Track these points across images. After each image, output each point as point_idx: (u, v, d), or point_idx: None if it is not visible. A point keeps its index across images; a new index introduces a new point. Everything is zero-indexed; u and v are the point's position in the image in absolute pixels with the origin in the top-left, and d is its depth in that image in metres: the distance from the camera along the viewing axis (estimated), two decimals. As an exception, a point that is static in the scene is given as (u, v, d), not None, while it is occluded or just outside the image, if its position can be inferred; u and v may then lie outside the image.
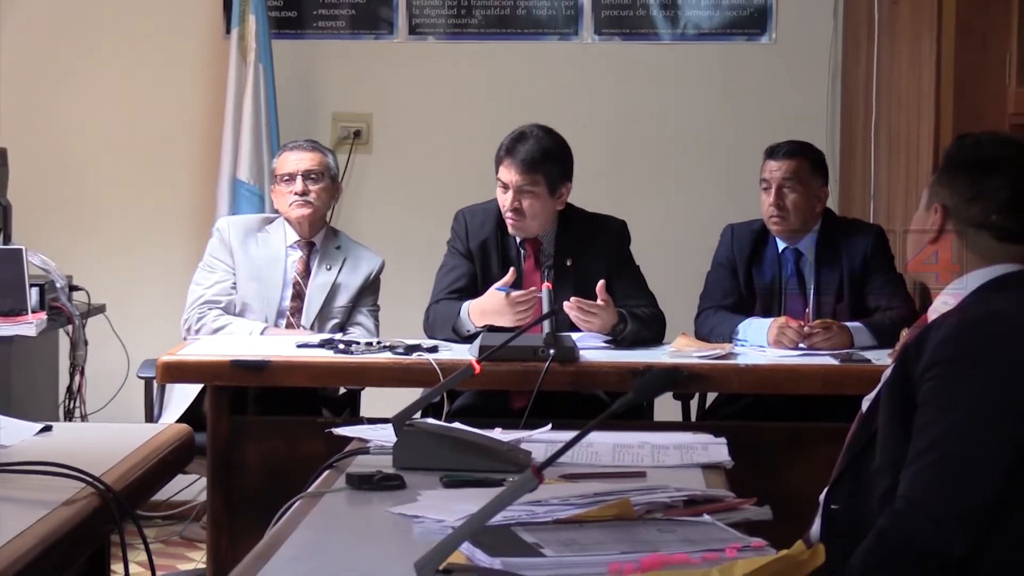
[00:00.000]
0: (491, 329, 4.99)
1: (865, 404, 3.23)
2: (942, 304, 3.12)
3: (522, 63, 7.17)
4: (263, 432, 4.96)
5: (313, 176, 5.59)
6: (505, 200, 5.18)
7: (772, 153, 5.38)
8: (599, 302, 4.97)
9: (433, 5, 7.17)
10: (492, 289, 5.06)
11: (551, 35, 7.19)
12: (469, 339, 5.06)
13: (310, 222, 5.61)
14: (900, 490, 2.94)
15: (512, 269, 5.11)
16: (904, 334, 4.77)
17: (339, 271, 5.65)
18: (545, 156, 5.18)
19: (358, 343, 5.04)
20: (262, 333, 5.36)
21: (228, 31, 6.99)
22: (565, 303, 4.93)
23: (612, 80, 7.15)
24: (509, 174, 5.16)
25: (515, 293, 4.98)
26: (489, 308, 5.04)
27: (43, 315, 5.63)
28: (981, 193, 3.13)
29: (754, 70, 7.13)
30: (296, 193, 5.56)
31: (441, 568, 2.07)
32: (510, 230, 5.26)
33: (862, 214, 6.23)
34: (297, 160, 5.61)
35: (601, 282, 4.99)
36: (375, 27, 7.20)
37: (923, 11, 5.83)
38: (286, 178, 5.60)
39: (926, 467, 2.92)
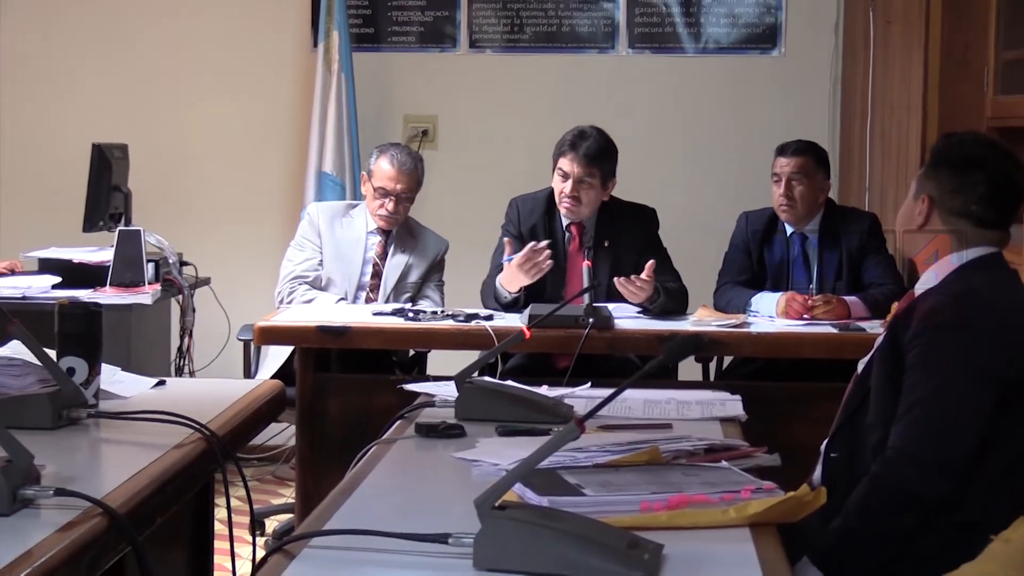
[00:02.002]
0: (538, 301, 4.99)
1: (860, 366, 3.22)
2: (926, 281, 3.11)
3: (566, 73, 7.16)
4: (344, 387, 4.97)
5: (405, 197, 5.55)
6: (565, 187, 5.18)
7: (782, 151, 5.37)
8: (645, 277, 4.96)
9: (490, 23, 7.16)
10: (506, 262, 5.09)
11: (591, 49, 7.17)
12: (508, 306, 5.09)
13: (392, 226, 5.61)
14: (890, 441, 2.94)
15: (509, 242, 5.14)
16: (895, 307, 4.78)
17: (411, 253, 5.64)
18: (602, 153, 5.19)
19: (425, 312, 5.05)
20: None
21: (315, 45, 7.00)
22: (617, 279, 4.94)
23: (644, 88, 7.13)
24: (571, 166, 5.16)
25: (516, 257, 5.00)
26: (507, 276, 5.07)
27: (158, 286, 5.64)
28: (962, 186, 3.11)
29: (766, 79, 7.10)
30: (387, 210, 5.51)
31: (496, 505, 2.06)
32: (564, 214, 5.26)
33: (859, 203, 6.20)
34: (394, 181, 5.48)
35: (651, 262, 4.97)
36: (440, 41, 7.20)
37: (913, 29, 5.81)
38: (380, 191, 5.51)
39: (913, 422, 2.91)
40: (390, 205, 5.50)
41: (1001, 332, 2.96)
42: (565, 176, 5.18)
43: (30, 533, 2.07)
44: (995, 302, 3.02)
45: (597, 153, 5.17)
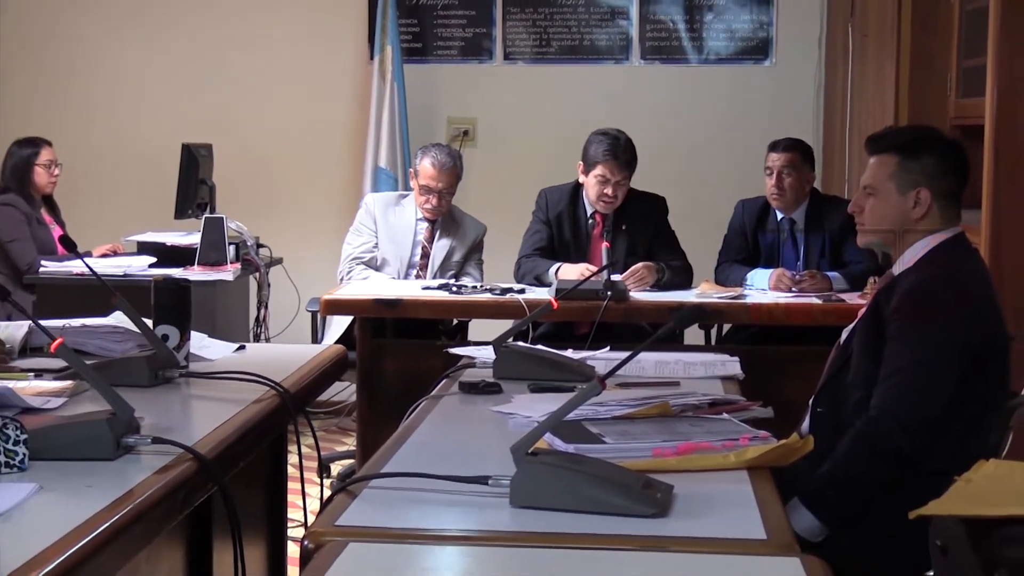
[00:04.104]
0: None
1: (844, 335, 3.20)
2: (904, 261, 3.07)
3: (587, 80, 7.14)
4: (397, 351, 4.99)
5: (445, 192, 5.52)
6: (606, 189, 5.16)
7: (774, 147, 5.35)
8: (640, 267, 5.00)
9: (522, 38, 7.15)
10: (566, 265, 5.09)
11: (608, 60, 7.15)
12: (545, 284, 5.07)
13: (436, 217, 5.60)
14: (874, 402, 2.93)
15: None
16: (871, 281, 4.76)
17: (454, 236, 5.63)
18: (634, 157, 5.20)
19: (467, 287, 5.05)
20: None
21: (372, 58, 7.00)
22: (627, 278, 4.95)
23: (654, 93, 7.11)
24: (611, 172, 5.14)
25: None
26: (565, 274, 5.03)
27: (238, 265, 5.67)
28: (946, 166, 3.03)
29: (759, 86, 7.08)
30: (431, 204, 5.49)
31: (530, 451, 2.06)
32: (603, 209, 5.23)
33: (839, 192, 6.17)
34: (435, 179, 5.45)
35: (634, 267, 5.00)
36: (478, 54, 7.18)
37: (885, 42, 5.79)
38: (425, 188, 5.48)
39: (893, 386, 2.90)
40: (433, 200, 5.49)
41: (969, 308, 2.95)
42: (605, 181, 5.16)
43: (132, 475, 2.08)
44: (964, 282, 3.00)
45: (631, 159, 5.19)
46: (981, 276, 3.06)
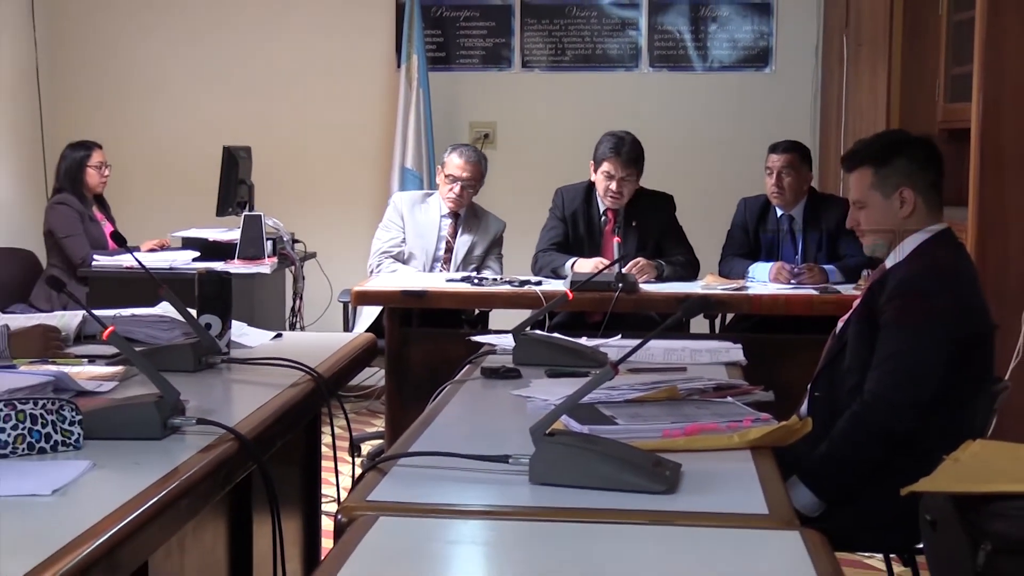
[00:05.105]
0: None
1: (840, 324, 3.20)
2: (895, 255, 3.06)
3: (599, 87, 7.13)
4: (423, 339, 4.98)
5: (468, 184, 5.53)
6: (611, 185, 5.15)
7: (774, 149, 5.33)
8: (641, 261, 5.01)
9: (538, 47, 7.14)
10: (581, 259, 5.09)
11: (619, 67, 7.13)
12: (561, 277, 5.06)
13: (458, 208, 5.60)
14: (867, 386, 2.93)
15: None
16: (865, 274, 4.75)
17: (476, 232, 5.63)
18: (637, 156, 5.18)
19: (487, 279, 5.05)
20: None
21: (399, 66, 7.00)
22: (629, 268, 4.93)
23: (662, 99, 7.09)
24: (615, 169, 5.14)
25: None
26: (580, 267, 5.04)
27: (275, 259, 5.68)
28: (917, 164, 3.03)
29: (760, 91, 7.05)
30: (454, 193, 5.51)
31: (547, 432, 2.05)
32: (609, 204, 5.23)
33: (835, 191, 6.14)
34: (461, 168, 5.47)
35: (632, 261, 4.99)
36: (498, 62, 7.18)
37: (878, 51, 5.77)
38: (450, 178, 5.51)
39: (886, 372, 2.90)
40: (457, 189, 5.49)
41: (956, 300, 2.94)
42: (610, 176, 5.15)
43: (177, 454, 2.08)
44: (952, 275, 2.99)
45: (635, 156, 5.16)
46: (968, 269, 3.05)
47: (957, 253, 3.07)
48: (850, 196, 3.14)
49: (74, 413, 2.11)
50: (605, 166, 5.16)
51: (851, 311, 3.14)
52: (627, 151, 5.14)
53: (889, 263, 3.06)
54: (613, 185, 5.16)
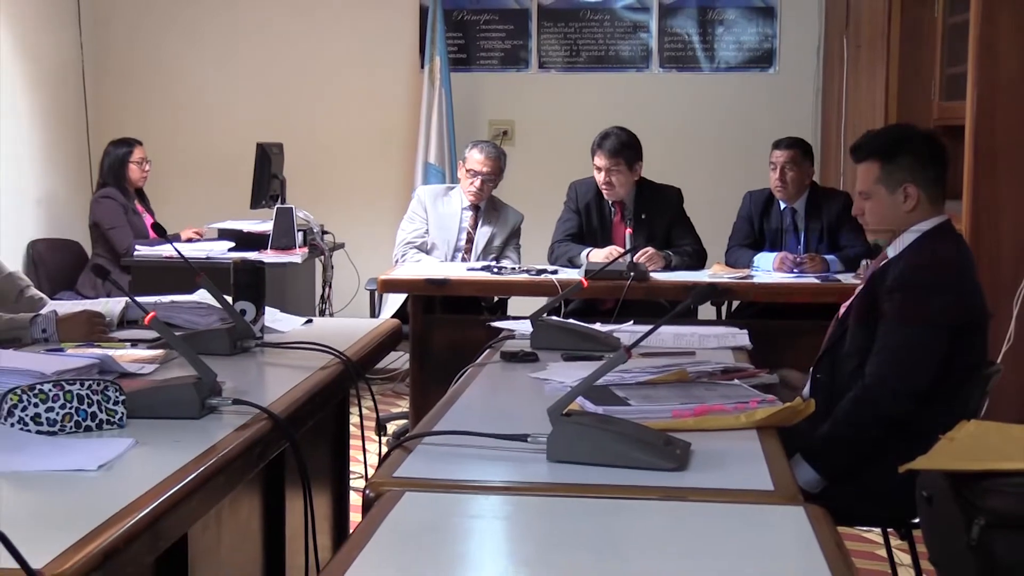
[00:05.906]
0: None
1: (841, 310, 3.18)
2: (896, 246, 3.04)
3: (612, 87, 7.11)
4: (446, 325, 4.98)
5: (488, 178, 5.52)
6: (600, 177, 5.16)
7: (777, 145, 5.32)
8: (650, 250, 4.99)
9: (554, 49, 7.13)
10: (595, 249, 5.08)
11: (631, 68, 7.12)
12: (576, 266, 5.05)
13: (478, 201, 5.59)
14: (868, 370, 2.92)
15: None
16: (864, 264, 4.73)
17: (495, 224, 5.62)
18: (622, 146, 5.15)
19: (506, 268, 5.05)
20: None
21: (422, 67, 6.99)
22: (639, 256, 4.92)
23: (671, 98, 7.07)
24: (601, 160, 5.14)
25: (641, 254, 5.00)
26: (595, 257, 5.02)
27: (305, 249, 5.69)
28: (923, 159, 3.01)
29: (764, 91, 7.03)
30: (475, 186, 5.50)
31: (564, 412, 2.05)
32: (605, 196, 5.24)
33: (836, 185, 6.12)
34: (481, 163, 5.47)
35: (643, 250, 4.98)
36: (516, 63, 7.16)
37: (876, 51, 5.75)
38: (471, 173, 5.50)
39: (887, 358, 2.89)
40: (477, 183, 5.48)
41: (954, 289, 2.93)
42: (599, 169, 5.17)
43: (215, 432, 2.09)
44: (951, 269, 2.97)
45: (618, 147, 5.14)
46: (965, 260, 3.03)
47: (957, 245, 3.05)
48: (856, 186, 3.11)
49: (118, 393, 2.12)
50: (594, 160, 5.19)
51: (852, 298, 3.12)
52: (610, 143, 5.13)
53: (891, 252, 3.05)
54: (601, 176, 5.16)
